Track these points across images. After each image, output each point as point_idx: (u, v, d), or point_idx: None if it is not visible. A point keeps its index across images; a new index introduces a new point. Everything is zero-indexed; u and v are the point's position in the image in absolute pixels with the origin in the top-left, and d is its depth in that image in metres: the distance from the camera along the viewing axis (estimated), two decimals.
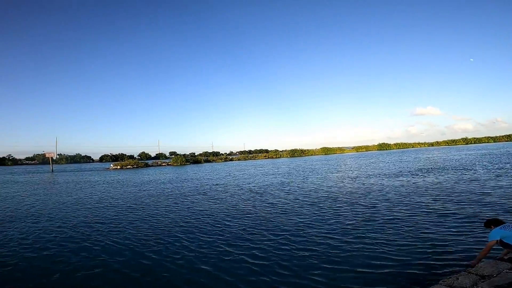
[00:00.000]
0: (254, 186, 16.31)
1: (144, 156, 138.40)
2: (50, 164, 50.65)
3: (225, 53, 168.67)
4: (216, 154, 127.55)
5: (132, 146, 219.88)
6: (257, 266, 4.90)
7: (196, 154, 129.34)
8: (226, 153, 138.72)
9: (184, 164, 60.39)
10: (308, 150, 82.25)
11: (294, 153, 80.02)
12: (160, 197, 13.48)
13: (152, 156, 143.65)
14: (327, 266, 4.75)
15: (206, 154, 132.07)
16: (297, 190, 14.11)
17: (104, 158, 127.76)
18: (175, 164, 60.29)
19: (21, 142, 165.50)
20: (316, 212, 9.07)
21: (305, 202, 10.84)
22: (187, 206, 11.00)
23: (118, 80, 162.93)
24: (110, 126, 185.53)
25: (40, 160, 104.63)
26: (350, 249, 5.50)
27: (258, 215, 9.03)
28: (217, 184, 18.37)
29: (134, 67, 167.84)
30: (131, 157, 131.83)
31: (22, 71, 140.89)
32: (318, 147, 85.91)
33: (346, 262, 4.91)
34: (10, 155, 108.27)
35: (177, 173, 32.54)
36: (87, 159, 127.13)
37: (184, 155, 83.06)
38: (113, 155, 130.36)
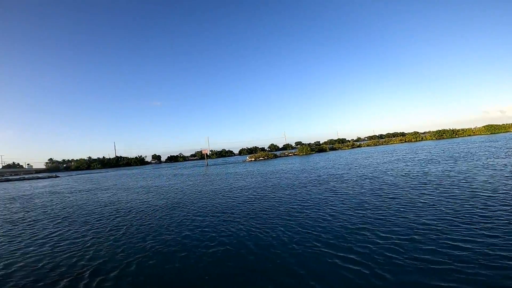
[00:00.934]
0: (381, 174, 14.62)
1: (273, 147, 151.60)
2: (205, 159, 65.12)
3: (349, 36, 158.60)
4: (342, 141, 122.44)
5: (262, 139, 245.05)
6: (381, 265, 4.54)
7: (321, 143, 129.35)
8: (353, 140, 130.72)
9: (309, 153, 61.58)
10: (462, 129, 64.24)
11: (442, 134, 64.63)
12: (283, 186, 14.50)
13: (280, 147, 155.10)
14: None
15: (331, 141, 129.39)
16: (452, 184, 11.48)
17: (242, 152, 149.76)
18: (300, 153, 62.49)
19: (187, 142, 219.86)
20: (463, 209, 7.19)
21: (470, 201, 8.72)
22: (304, 196, 11.27)
23: (252, 82, 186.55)
24: (245, 122, 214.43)
25: (199, 156, 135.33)
26: None
27: (387, 210, 8.08)
28: (337, 174, 17.76)
29: (263, 68, 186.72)
30: (262, 149, 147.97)
31: (186, 86, 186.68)
32: (478, 125, 65.28)
33: None
34: (181, 153, 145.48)
35: (301, 162, 33.71)
36: (230, 153, 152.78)
37: (309, 144, 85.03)
38: (249, 148, 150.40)
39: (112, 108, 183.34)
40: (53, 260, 5.95)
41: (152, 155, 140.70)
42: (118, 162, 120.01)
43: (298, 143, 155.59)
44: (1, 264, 5.96)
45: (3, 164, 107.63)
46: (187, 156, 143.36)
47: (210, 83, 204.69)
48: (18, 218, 11.28)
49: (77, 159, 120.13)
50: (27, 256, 6.36)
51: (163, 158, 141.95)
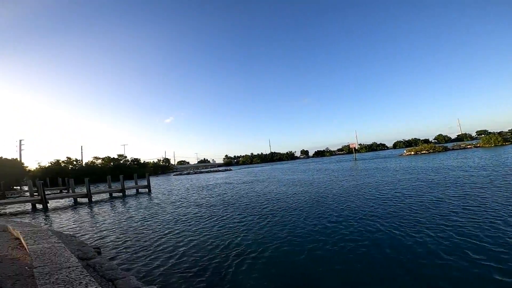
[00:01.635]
0: None
1: (441, 139, 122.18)
2: (353, 153, 61.75)
3: None
4: None
5: (423, 130, 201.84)
6: None
7: None
8: None
9: (502, 145, 44.84)
10: None
11: None
12: (444, 185, 11.10)
13: (452, 138, 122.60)
14: None
15: None
16: None
17: (397, 145, 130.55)
18: (486, 145, 46.66)
19: (334, 137, 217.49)
20: None
21: None
22: (472, 198, 7.92)
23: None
24: (399, 110, 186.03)
25: (347, 150, 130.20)
26: None
27: None
28: None
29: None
30: (426, 141, 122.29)
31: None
32: None
33: None
34: (327, 148, 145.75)
35: (486, 157, 24.93)
36: (382, 146, 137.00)
37: (499, 133, 60.84)
38: (406, 141, 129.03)
39: (266, 108, 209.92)
40: (215, 239, 7.20)
41: (301, 150, 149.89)
42: (273, 157, 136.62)
43: (481, 132, 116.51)
44: (186, 239, 7.96)
45: (198, 160, 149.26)
46: (334, 151, 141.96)
47: (358, 75, 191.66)
48: (204, 203, 15.10)
49: (243, 155, 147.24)
50: (202, 233, 8.17)
51: (310, 153, 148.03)
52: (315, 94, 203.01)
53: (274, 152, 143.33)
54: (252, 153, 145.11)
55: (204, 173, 65.09)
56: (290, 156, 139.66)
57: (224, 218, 9.96)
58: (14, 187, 31.46)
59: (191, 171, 78.07)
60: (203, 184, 29.08)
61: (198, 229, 8.58)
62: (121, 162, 72.24)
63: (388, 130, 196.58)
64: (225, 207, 12.53)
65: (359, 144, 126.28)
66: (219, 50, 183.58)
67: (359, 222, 7.57)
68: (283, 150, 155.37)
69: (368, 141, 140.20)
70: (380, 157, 51.78)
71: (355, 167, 32.55)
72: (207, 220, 9.70)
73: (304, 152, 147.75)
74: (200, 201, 15.21)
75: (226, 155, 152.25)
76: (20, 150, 47.73)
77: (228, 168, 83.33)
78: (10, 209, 16.53)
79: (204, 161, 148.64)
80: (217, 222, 9.35)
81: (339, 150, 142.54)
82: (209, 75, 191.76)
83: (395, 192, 11.95)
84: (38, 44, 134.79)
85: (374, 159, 48.76)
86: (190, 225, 9.18)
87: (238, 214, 10.43)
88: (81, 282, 2.85)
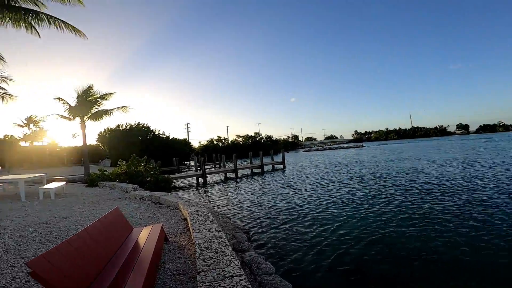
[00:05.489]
0: None
1: None
2: None
3: None
4: None
5: None
6: None
7: None
8: None
9: None
10: None
11: None
12: None
13: None
14: None
15: None
16: None
17: None
18: None
19: (502, 108, 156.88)
20: None
21: None
22: None
23: None
24: None
25: None
26: None
27: None
28: None
29: None
30: None
31: None
32: None
33: None
34: (500, 121, 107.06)
35: None
36: None
37: None
38: None
39: (405, 75, 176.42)
40: (377, 229, 5.74)
41: (457, 125, 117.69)
42: (415, 133, 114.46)
43: None
44: (336, 228, 6.74)
45: (325, 136, 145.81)
46: (511, 125, 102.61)
47: None
48: (329, 182, 13.52)
49: (376, 131, 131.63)
50: (357, 222, 6.70)
51: (472, 128, 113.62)
52: (468, 57, 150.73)
53: (417, 127, 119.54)
54: (387, 128, 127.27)
55: (333, 149, 62.64)
56: (440, 132, 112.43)
57: (376, 204, 8.15)
58: (185, 162, 40.59)
59: (320, 147, 77.17)
60: (335, 161, 27.32)
61: (350, 215, 7.24)
62: (257, 139, 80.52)
63: None
64: (374, 189, 10.56)
65: None
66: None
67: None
68: (428, 124, 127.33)
69: None
70: None
71: None
72: (358, 207, 8.15)
73: (462, 127, 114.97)
74: (341, 181, 13.72)
75: (356, 131, 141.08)
76: (188, 131, 61.50)
77: (360, 144, 76.70)
78: (181, 182, 20.86)
79: (332, 137, 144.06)
80: (371, 209, 7.67)
81: None
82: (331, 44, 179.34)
83: None
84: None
85: None
86: (336, 210, 7.94)
87: (396, 200, 8.30)
88: None
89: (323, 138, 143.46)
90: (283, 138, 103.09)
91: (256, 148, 50.50)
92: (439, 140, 61.32)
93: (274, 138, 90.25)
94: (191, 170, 28.40)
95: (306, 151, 69.26)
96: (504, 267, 4.17)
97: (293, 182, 14.94)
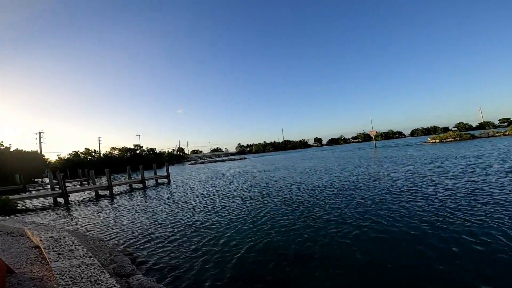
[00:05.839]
0: None
1: (463, 126, 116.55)
2: (373, 141, 59.34)
3: None
4: None
5: (440, 116, 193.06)
6: None
7: None
8: None
9: None
10: None
11: None
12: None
13: (474, 126, 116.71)
14: None
15: None
16: None
17: (415, 132, 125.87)
18: None
19: (348, 125, 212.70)
20: None
21: None
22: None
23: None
24: (412, 97, 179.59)
25: (362, 138, 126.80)
26: None
27: None
28: None
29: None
30: (446, 129, 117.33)
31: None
32: None
33: None
34: (341, 135, 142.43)
35: None
36: (399, 134, 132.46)
37: None
38: (425, 129, 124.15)
39: (278, 95, 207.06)
40: (257, 235, 6.37)
41: (314, 138, 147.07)
42: (286, 146, 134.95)
43: (503, 120, 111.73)
44: (224, 237, 7.07)
45: (211, 148, 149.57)
46: (348, 139, 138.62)
47: (371, 63, 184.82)
48: (230, 193, 14.21)
49: (256, 144, 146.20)
50: (241, 230, 7.24)
51: (324, 141, 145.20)
52: (327, 82, 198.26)
53: (287, 140, 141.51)
54: (265, 142, 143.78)
55: (218, 161, 64.72)
56: (303, 144, 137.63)
57: (257, 210, 9.04)
58: (36, 180, 31.71)
59: (206, 160, 78.03)
60: (220, 173, 28.34)
61: (234, 224, 7.69)
62: (138, 152, 72.79)
63: (402, 118, 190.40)
64: (254, 197, 11.64)
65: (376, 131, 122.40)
66: (228, 39, 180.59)
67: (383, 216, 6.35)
68: (296, 138, 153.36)
69: (382, 129, 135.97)
70: (401, 145, 49.52)
71: (378, 155, 30.88)
72: (241, 214, 8.77)
73: (318, 140, 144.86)
74: (226, 192, 14.36)
75: (239, 144, 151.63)
76: (40, 142, 48.38)
77: (243, 156, 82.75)
78: (32, 204, 16.20)
79: (217, 150, 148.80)
80: (253, 215, 8.43)
81: (353, 138, 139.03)
82: (218, 66, 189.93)
83: (455, 182, 10.53)
84: (53, 39, 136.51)
85: (395, 146, 46.65)
86: (222, 220, 8.27)
87: (274, 206, 9.48)
88: None
89: (209, 151, 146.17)
90: (168, 151, 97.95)
91: (136, 162, 45.61)
92: (303, 152, 74.57)
93: (157, 151, 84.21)
94: (46, 189, 22.40)
95: (192, 164, 68.32)
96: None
97: (178, 196, 14.43)
